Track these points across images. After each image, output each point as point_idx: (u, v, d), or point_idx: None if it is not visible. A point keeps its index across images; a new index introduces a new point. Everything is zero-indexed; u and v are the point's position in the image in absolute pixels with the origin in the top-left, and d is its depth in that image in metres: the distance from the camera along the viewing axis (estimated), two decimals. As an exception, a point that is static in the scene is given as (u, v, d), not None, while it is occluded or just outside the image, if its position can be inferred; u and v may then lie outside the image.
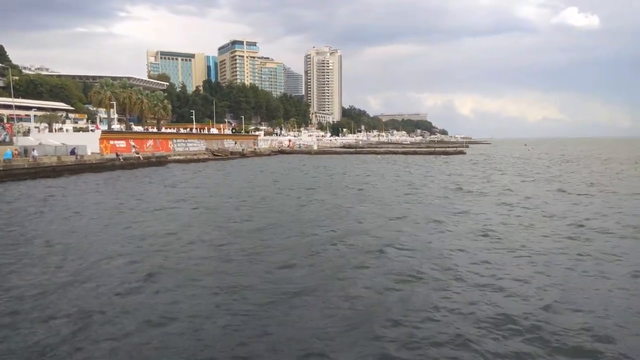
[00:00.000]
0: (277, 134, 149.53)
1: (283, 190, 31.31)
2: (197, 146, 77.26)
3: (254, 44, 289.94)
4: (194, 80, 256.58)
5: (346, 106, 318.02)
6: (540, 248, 14.59)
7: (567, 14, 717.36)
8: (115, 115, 77.66)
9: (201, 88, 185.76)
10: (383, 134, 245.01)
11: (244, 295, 10.39)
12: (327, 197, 27.50)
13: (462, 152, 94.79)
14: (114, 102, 73.12)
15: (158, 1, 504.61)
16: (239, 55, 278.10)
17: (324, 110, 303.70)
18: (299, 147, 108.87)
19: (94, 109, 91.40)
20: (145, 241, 15.74)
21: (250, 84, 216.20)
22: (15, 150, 44.09)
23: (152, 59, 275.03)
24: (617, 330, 8.52)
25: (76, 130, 73.03)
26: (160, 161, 58.36)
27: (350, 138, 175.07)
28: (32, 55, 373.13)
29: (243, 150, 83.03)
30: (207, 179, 40.45)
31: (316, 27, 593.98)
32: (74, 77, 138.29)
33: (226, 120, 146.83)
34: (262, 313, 9.35)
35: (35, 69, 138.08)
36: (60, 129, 72.37)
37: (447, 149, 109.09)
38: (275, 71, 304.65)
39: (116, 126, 76.80)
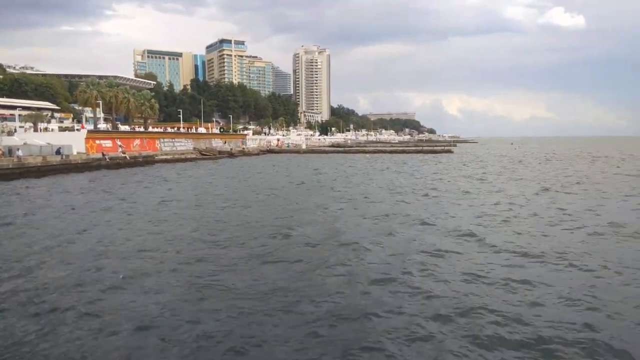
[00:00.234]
0: (265, 133, 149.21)
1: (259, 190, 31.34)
2: (184, 145, 76.87)
3: (242, 42, 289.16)
4: (181, 79, 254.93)
5: (335, 105, 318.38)
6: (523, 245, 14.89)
7: (554, 14, 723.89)
8: (102, 115, 76.93)
9: (189, 87, 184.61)
10: (372, 133, 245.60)
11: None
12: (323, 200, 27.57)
13: (450, 151, 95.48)
14: (100, 101, 72.43)
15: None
16: (227, 54, 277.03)
17: (312, 109, 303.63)
18: (288, 146, 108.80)
19: (80, 108, 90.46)
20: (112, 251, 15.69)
21: (238, 83, 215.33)
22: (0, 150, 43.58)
23: (139, 58, 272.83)
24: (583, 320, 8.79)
25: (62, 129, 72.28)
26: (147, 161, 57.98)
27: (339, 137, 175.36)
28: (17, 53, 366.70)
29: (231, 149, 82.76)
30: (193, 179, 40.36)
31: (304, 26, 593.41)
32: (59, 76, 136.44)
33: (214, 119, 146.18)
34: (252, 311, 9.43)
35: (20, 68, 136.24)
36: (46, 129, 71.57)
37: (435, 147, 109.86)
38: (263, 70, 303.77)
39: (102, 126, 76.09)
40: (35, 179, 38.15)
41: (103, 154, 52.99)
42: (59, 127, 76.79)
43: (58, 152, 47.29)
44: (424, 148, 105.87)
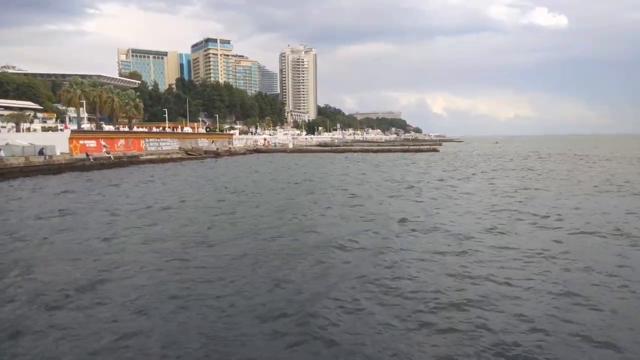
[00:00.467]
0: (252, 132, 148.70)
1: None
2: (170, 145, 76.22)
3: (228, 41, 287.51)
4: (166, 78, 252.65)
5: (321, 105, 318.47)
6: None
7: (536, 14, 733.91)
8: (85, 115, 76.01)
9: (174, 86, 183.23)
10: (358, 132, 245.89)
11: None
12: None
13: (435, 150, 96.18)
14: (84, 101, 71.53)
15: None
16: (213, 53, 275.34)
17: (299, 108, 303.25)
18: (275, 145, 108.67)
19: (63, 108, 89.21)
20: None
21: (224, 82, 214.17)
22: (-20, 150, 42.79)
23: (123, 57, 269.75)
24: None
25: (45, 129, 71.18)
26: (132, 161, 57.43)
27: (325, 136, 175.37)
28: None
29: (218, 149, 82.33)
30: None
31: (290, 25, 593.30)
32: (42, 75, 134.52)
33: (200, 119, 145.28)
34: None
35: (2, 67, 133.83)
36: (29, 129, 70.43)
37: (421, 146, 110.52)
38: (249, 69, 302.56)
39: (86, 125, 75.17)
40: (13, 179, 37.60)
41: (87, 154, 52.37)
42: (42, 127, 75.61)
43: (41, 152, 46.60)
44: (410, 147, 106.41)
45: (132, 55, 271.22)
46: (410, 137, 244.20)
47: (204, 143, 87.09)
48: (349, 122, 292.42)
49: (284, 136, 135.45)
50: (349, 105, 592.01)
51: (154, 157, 64.54)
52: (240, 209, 22.48)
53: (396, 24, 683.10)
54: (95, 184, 34.86)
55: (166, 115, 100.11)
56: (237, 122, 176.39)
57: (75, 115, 79.43)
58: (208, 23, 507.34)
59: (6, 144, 46.38)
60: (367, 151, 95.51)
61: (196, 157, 72.74)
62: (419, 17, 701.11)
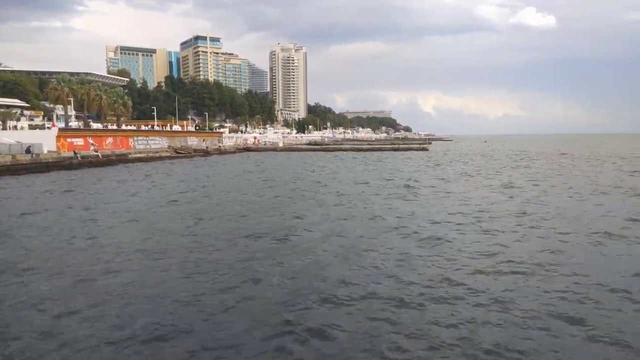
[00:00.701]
0: (242, 131, 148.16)
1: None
2: (159, 143, 75.79)
3: (218, 39, 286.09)
4: (155, 76, 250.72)
5: (312, 103, 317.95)
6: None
7: (525, 14, 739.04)
8: (73, 112, 75.46)
9: (163, 84, 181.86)
10: (349, 131, 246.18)
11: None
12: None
13: (425, 149, 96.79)
14: (72, 99, 70.96)
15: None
16: (202, 51, 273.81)
17: (289, 107, 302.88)
18: (265, 144, 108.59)
19: (51, 105, 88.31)
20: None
21: (214, 80, 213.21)
22: (-34, 148, 42.32)
23: (111, 54, 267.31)
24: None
25: (32, 127, 70.35)
26: (121, 159, 57.11)
27: (316, 135, 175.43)
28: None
29: (207, 147, 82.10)
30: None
31: (280, 24, 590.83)
32: (29, 72, 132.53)
33: (189, 117, 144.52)
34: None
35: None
36: (15, 127, 69.63)
37: (411, 145, 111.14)
38: (239, 67, 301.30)
39: (74, 123, 74.57)
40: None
41: (75, 153, 51.96)
42: (29, 125, 74.68)
43: (28, 150, 46.13)
44: (400, 146, 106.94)
45: (121, 53, 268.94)
46: (400, 136, 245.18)
47: (193, 141, 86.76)
48: (340, 120, 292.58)
49: (274, 135, 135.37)
50: (339, 104, 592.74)
51: (142, 155, 64.22)
52: (227, 207, 22.59)
53: (389, 23, 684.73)
54: (81, 182, 34.66)
55: (155, 113, 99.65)
56: (227, 120, 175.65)
57: (62, 113, 78.78)
58: (197, 21, 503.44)
59: (-8, 142, 45.92)
60: (358, 150, 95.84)
61: (185, 155, 72.49)
62: (411, 17, 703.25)
